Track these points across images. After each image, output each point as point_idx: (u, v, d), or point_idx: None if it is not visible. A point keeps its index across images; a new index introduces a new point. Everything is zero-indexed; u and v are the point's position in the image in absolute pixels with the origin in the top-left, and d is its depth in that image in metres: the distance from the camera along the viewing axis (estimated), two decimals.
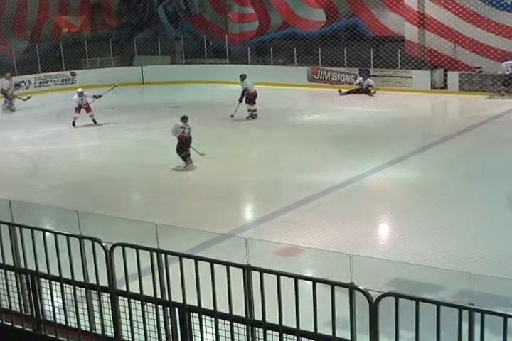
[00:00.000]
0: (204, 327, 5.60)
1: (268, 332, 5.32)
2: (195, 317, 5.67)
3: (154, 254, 5.72)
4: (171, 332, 5.84)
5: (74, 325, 6.25)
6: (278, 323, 5.25)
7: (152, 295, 5.78)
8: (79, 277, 6.12)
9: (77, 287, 6.18)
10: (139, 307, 5.85)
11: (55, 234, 6.23)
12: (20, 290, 6.60)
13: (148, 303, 5.83)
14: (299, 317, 5.13)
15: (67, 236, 6.14)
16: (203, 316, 5.58)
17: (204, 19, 34.93)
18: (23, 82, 29.93)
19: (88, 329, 6.22)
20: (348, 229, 11.54)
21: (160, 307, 5.81)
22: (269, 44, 32.11)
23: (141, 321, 5.85)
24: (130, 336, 5.97)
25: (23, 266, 6.50)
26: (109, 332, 6.10)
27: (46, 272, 6.33)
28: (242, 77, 22.58)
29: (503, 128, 20.45)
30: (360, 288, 4.87)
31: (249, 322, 5.41)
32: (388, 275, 8.64)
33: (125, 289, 5.91)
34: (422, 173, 15.66)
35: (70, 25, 34.99)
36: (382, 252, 10.28)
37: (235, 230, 11.48)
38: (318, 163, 16.61)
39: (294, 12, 31.79)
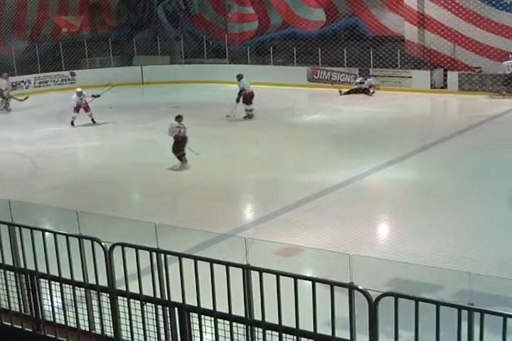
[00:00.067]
0: (203, 327, 5.60)
1: (267, 332, 5.32)
2: (194, 317, 5.67)
3: (154, 254, 5.72)
4: (170, 332, 5.84)
5: (73, 325, 6.25)
6: (277, 323, 5.25)
7: (152, 295, 5.78)
8: (78, 277, 6.12)
9: (76, 287, 6.17)
10: (139, 307, 5.85)
11: (55, 233, 6.23)
12: (19, 290, 6.60)
13: (147, 303, 5.83)
14: (299, 317, 5.13)
15: (67, 236, 6.14)
16: (203, 316, 5.58)
17: (204, 19, 34.93)
18: (23, 81, 29.94)
19: (87, 329, 6.22)
20: (347, 228, 11.54)
21: (159, 307, 5.81)
22: (269, 44, 32.11)
23: (141, 321, 5.85)
24: (129, 336, 5.97)
25: (22, 266, 6.50)
26: (109, 332, 6.10)
27: (46, 272, 6.32)
28: (239, 77, 22.60)
29: (502, 128, 20.45)
30: (360, 287, 4.87)
31: (249, 322, 5.40)
32: (388, 275, 8.64)
33: (124, 289, 5.91)
34: (422, 173, 15.66)
35: (69, 25, 34.99)
36: (382, 252, 10.28)
37: (234, 230, 11.48)
38: (318, 162, 16.61)
39: (293, 12, 31.79)
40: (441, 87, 27.11)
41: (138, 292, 5.85)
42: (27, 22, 32.65)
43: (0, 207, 7.24)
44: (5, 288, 6.68)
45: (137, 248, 5.78)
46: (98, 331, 6.17)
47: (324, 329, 5.11)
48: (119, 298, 5.98)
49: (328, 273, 5.78)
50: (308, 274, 6.34)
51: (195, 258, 5.54)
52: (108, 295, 6.00)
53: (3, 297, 6.73)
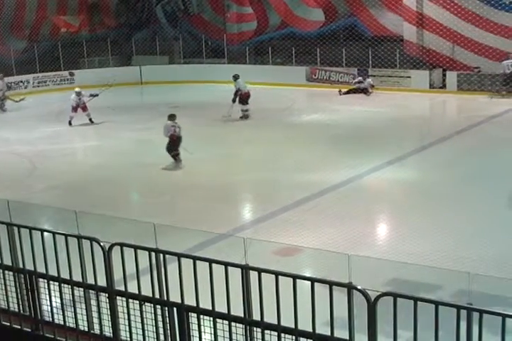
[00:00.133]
0: (202, 327, 5.60)
1: (266, 332, 5.32)
2: (193, 317, 5.67)
3: (153, 254, 5.72)
4: (169, 332, 5.84)
5: (72, 325, 6.25)
6: (276, 323, 5.25)
7: (150, 295, 5.78)
8: (77, 277, 6.12)
9: (75, 287, 6.17)
10: (138, 307, 5.84)
11: (54, 233, 6.23)
12: (18, 290, 6.60)
13: (146, 303, 5.83)
14: (298, 316, 5.13)
15: (66, 236, 6.14)
16: (202, 316, 5.58)
17: (202, 19, 34.93)
18: (22, 81, 29.94)
19: (86, 329, 6.22)
20: (346, 228, 11.54)
21: (158, 307, 5.81)
22: (268, 44, 32.12)
23: (140, 321, 5.85)
24: (128, 336, 5.97)
25: (21, 265, 6.50)
26: (108, 332, 6.10)
27: (44, 272, 6.32)
28: (235, 77, 22.61)
29: (501, 128, 20.46)
30: (359, 287, 4.87)
31: (248, 322, 5.40)
32: (386, 275, 8.63)
33: (123, 289, 5.91)
34: (421, 173, 15.66)
35: (68, 25, 35.00)
36: (381, 252, 10.28)
37: (233, 230, 11.48)
38: (317, 162, 16.60)
39: (292, 12, 31.80)
40: (440, 87, 27.12)
41: (137, 292, 5.85)
42: (26, 22, 32.65)
43: None
44: (4, 288, 6.67)
45: (136, 248, 5.77)
46: (97, 331, 6.17)
47: (323, 329, 5.11)
48: (117, 298, 5.97)
49: (327, 273, 5.78)
50: (307, 274, 6.34)
51: (194, 258, 5.54)
52: (107, 295, 6.00)
53: (1, 297, 6.73)
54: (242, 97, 22.35)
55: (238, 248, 5.55)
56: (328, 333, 5.07)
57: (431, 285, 8.39)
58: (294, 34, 31.64)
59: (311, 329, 5.12)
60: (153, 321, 5.82)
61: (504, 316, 4.46)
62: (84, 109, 22.24)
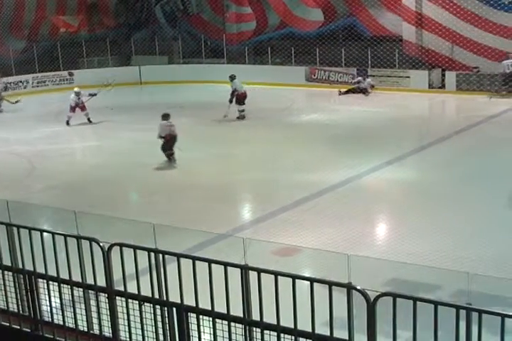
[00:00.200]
0: (202, 327, 5.60)
1: (266, 332, 5.33)
2: (192, 317, 5.67)
3: (152, 254, 5.72)
4: (168, 332, 5.84)
5: (72, 325, 6.25)
6: (276, 323, 5.25)
7: (150, 295, 5.78)
8: (76, 277, 6.12)
9: (74, 287, 6.17)
10: (137, 307, 5.85)
11: (53, 234, 6.23)
12: (17, 291, 6.60)
13: (146, 303, 5.83)
14: (297, 317, 5.13)
15: (65, 236, 6.14)
16: (201, 316, 5.59)
17: (202, 19, 34.92)
18: (21, 81, 29.94)
19: (86, 329, 6.23)
20: (345, 228, 11.54)
21: (158, 307, 5.81)
22: (267, 44, 32.11)
23: (139, 321, 5.85)
24: (128, 336, 5.97)
25: (20, 266, 6.50)
26: (107, 332, 6.10)
27: (44, 272, 6.32)
28: (232, 78, 22.62)
29: (500, 128, 20.47)
30: (358, 287, 4.88)
31: (247, 322, 5.41)
32: (386, 275, 8.64)
33: (123, 289, 5.91)
34: (420, 173, 15.66)
35: (67, 25, 35.00)
36: (380, 252, 10.28)
37: (232, 230, 11.48)
38: (316, 162, 16.61)
39: (291, 12, 31.80)
40: (439, 87, 27.12)
41: (136, 292, 5.85)
42: (25, 22, 32.65)
43: None
44: (3, 288, 6.67)
45: (135, 248, 5.77)
46: (96, 331, 6.17)
47: (322, 330, 5.11)
48: (117, 298, 5.97)
49: (326, 273, 5.78)
50: (307, 274, 6.35)
51: (194, 259, 5.54)
52: (106, 295, 6.00)
53: (1, 297, 6.73)
54: (239, 97, 22.36)
55: (237, 248, 5.55)
56: (328, 333, 5.08)
57: (430, 285, 8.40)
58: (293, 34, 31.64)
59: (310, 330, 5.12)
60: (153, 321, 5.82)
61: (503, 316, 4.46)
62: (83, 108, 22.26)
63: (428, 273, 8.19)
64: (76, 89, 22.46)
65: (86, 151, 20.07)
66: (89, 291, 6.17)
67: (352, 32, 29.76)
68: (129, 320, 5.90)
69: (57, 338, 6.28)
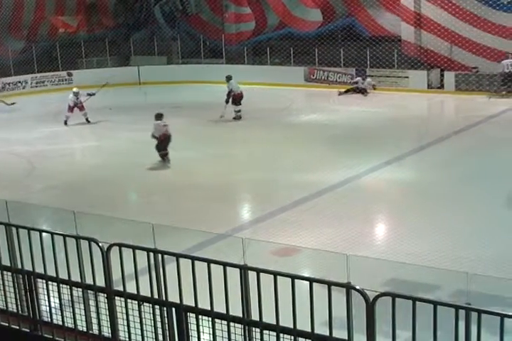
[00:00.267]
0: (201, 327, 5.60)
1: (265, 332, 5.32)
2: (192, 317, 5.67)
3: (151, 254, 5.71)
4: (167, 332, 5.84)
5: (71, 325, 6.25)
6: (275, 323, 5.25)
7: (149, 295, 5.78)
8: (76, 277, 6.12)
9: (73, 287, 6.17)
10: (136, 307, 5.84)
11: (52, 234, 6.22)
12: (16, 291, 6.59)
13: (145, 303, 5.83)
14: (296, 317, 5.13)
15: (64, 236, 6.13)
16: (200, 316, 5.58)
17: (201, 19, 34.93)
18: (20, 82, 29.93)
19: (85, 329, 6.22)
20: (344, 229, 11.54)
21: (157, 307, 5.80)
22: (266, 44, 32.13)
23: (138, 321, 5.85)
24: (127, 336, 5.96)
25: (19, 266, 6.49)
26: (106, 332, 6.09)
27: (43, 272, 6.32)
28: (228, 78, 22.63)
29: (499, 128, 20.48)
30: (357, 287, 4.87)
31: (246, 322, 5.40)
32: (385, 275, 8.64)
33: (122, 289, 5.91)
34: (419, 173, 15.67)
35: (66, 26, 35.00)
36: (379, 252, 10.28)
37: (231, 230, 11.48)
38: (315, 162, 16.61)
39: (290, 12, 31.81)
40: (438, 87, 27.14)
41: (135, 292, 5.85)
42: (24, 22, 32.64)
43: None
44: (2, 288, 6.67)
45: (134, 248, 5.77)
46: (96, 331, 6.17)
47: (322, 330, 5.11)
48: (116, 298, 5.97)
49: (325, 273, 5.78)
50: (306, 274, 6.35)
51: (193, 259, 5.54)
52: (105, 295, 6.00)
53: (0, 297, 6.73)
54: (235, 98, 22.37)
55: (237, 248, 5.55)
56: (327, 333, 5.07)
57: (429, 285, 8.40)
58: (292, 34, 31.66)
59: (309, 330, 5.12)
60: (152, 321, 5.81)
61: (503, 316, 4.46)
62: (82, 108, 22.28)
63: (427, 273, 8.19)
64: (75, 90, 22.47)
65: (85, 151, 20.07)
66: (89, 291, 6.17)
67: (351, 32, 29.78)
68: (128, 320, 5.89)
69: (57, 338, 6.28)
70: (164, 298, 5.75)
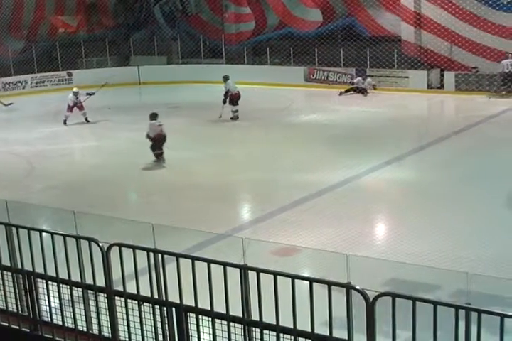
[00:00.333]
0: (201, 327, 5.60)
1: (265, 331, 5.32)
2: (192, 317, 5.67)
3: (151, 254, 5.71)
4: (167, 332, 5.84)
5: (71, 325, 6.25)
6: (275, 323, 5.25)
7: (149, 295, 5.78)
8: (76, 277, 6.12)
9: (73, 287, 6.17)
10: (136, 307, 5.84)
11: (52, 234, 6.22)
12: (16, 291, 6.59)
13: (145, 303, 5.83)
14: (296, 316, 5.13)
15: (64, 236, 6.13)
16: (200, 316, 5.58)
17: (200, 19, 34.93)
18: (20, 82, 29.92)
19: (85, 329, 6.22)
20: (344, 228, 11.54)
21: (157, 307, 5.80)
22: (266, 44, 32.13)
23: (138, 321, 5.85)
24: (127, 336, 5.96)
25: (19, 266, 6.49)
26: (106, 332, 6.09)
27: (43, 272, 6.32)
28: (225, 78, 22.61)
29: (499, 128, 20.48)
30: (357, 287, 4.87)
31: (246, 322, 5.40)
32: (385, 275, 8.64)
33: (122, 289, 5.91)
34: (419, 173, 15.67)
35: (66, 25, 35.00)
36: (379, 252, 10.28)
37: (231, 230, 11.48)
38: (315, 162, 16.61)
39: (290, 12, 31.81)
40: (438, 87, 27.14)
41: (135, 292, 5.85)
42: (24, 22, 32.65)
43: None
44: (2, 288, 6.67)
45: (134, 248, 5.77)
46: (96, 331, 6.17)
47: (322, 329, 5.11)
48: (116, 298, 5.97)
49: (325, 273, 5.78)
50: (306, 274, 6.35)
51: (193, 259, 5.54)
52: (105, 295, 6.00)
53: (0, 297, 6.73)
54: (232, 98, 22.36)
55: (237, 248, 5.55)
56: (327, 333, 5.07)
57: (429, 285, 8.40)
58: (292, 34, 31.66)
59: (309, 329, 5.12)
60: (152, 321, 5.81)
61: (502, 316, 4.46)
62: (81, 108, 22.31)
63: (427, 273, 8.19)
64: (74, 89, 22.50)
65: (85, 151, 20.07)
66: (89, 291, 6.17)
67: (351, 32, 29.78)
68: (128, 320, 5.89)
69: (57, 338, 6.28)
70: (164, 298, 5.75)
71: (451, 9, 26.78)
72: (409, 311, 4.76)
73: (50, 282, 6.32)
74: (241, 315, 5.40)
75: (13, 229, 6.43)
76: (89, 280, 6.06)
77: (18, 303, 6.61)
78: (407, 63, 27.89)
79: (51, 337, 6.31)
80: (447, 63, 27.22)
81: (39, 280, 6.43)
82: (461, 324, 4.59)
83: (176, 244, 6.97)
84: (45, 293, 6.38)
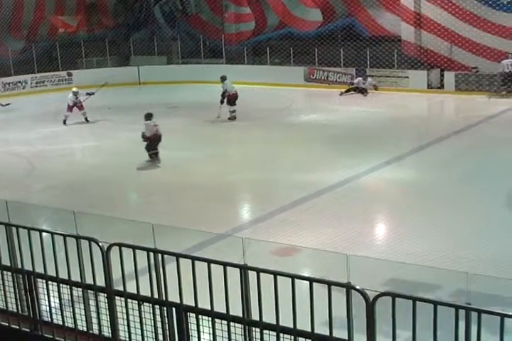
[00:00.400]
0: (201, 327, 5.60)
1: (265, 331, 5.32)
2: (192, 317, 5.67)
3: (151, 254, 5.71)
4: (168, 332, 5.84)
5: (71, 325, 6.25)
6: (275, 323, 5.25)
7: (149, 295, 5.78)
8: (76, 277, 6.12)
9: (74, 287, 6.17)
10: (136, 307, 5.84)
11: (52, 234, 6.22)
12: (17, 290, 6.60)
13: (145, 303, 5.83)
14: (296, 316, 5.13)
15: (64, 236, 6.13)
16: (200, 316, 5.58)
17: (200, 19, 34.93)
18: (20, 82, 29.92)
19: (85, 329, 6.22)
20: (344, 228, 11.54)
21: (157, 307, 5.80)
22: (266, 44, 32.13)
23: (138, 321, 5.85)
24: (127, 336, 5.96)
25: (19, 266, 6.49)
26: (106, 332, 6.09)
27: (43, 272, 6.32)
28: (223, 79, 22.62)
29: (499, 128, 20.48)
30: (357, 287, 4.87)
31: (247, 321, 5.41)
32: (385, 275, 8.64)
33: (122, 289, 5.91)
34: (419, 173, 15.67)
35: (66, 25, 35.00)
36: (379, 252, 10.28)
37: (231, 230, 11.48)
38: (315, 162, 16.61)
39: (290, 12, 31.81)
40: (438, 87, 27.14)
41: (135, 292, 5.85)
42: (23, 22, 32.65)
43: None
44: (2, 288, 6.67)
45: (134, 248, 5.77)
46: (96, 331, 6.17)
47: (322, 329, 5.11)
48: (116, 298, 5.97)
49: (325, 273, 5.78)
50: (306, 274, 6.35)
51: (193, 259, 5.54)
52: (105, 295, 6.00)
53: (0, 297, 6.73)
54: (230, 98, 22.36)
55: (237, 248, 5.55)
56: (327, 333, 5.08)
57: (429, 285, 8.40)
58: (292, 34, 31.66)
59: (309, 329, 5.12)
60: (152, 321, 5.81)
61: (502, 316, 4.46)
62: (81, 108, 22.33)
63: (427, 273, 8.20)
64: (74, 89, 22.52)
65: (85, 151, 20.07)
66: (89, 291, 6.17)
67: (351, 32, 29.78)
68: (128, 319, 5.90)
69: (57, 338, 6.28)
70: (164, 298, 5.75)
71: (451, 9, 26.78)
72: (409, 311, 4.76)
73: (50, 282, 6.32)
74: (241, 315, 5.40)
75: (13, 229, 6.43)
76: (89, 280, 6.07)
77: (18, 303, 6.61)
78: (407, 63, 27.89)
79: (51, 337, 6.32)
80: (447, 63, 27.22)
81: (39, 280, 6.43)
82: (461, 324, 4.60)
83: (176, 244, 6.97)
84: (45, 292, 6.38)
